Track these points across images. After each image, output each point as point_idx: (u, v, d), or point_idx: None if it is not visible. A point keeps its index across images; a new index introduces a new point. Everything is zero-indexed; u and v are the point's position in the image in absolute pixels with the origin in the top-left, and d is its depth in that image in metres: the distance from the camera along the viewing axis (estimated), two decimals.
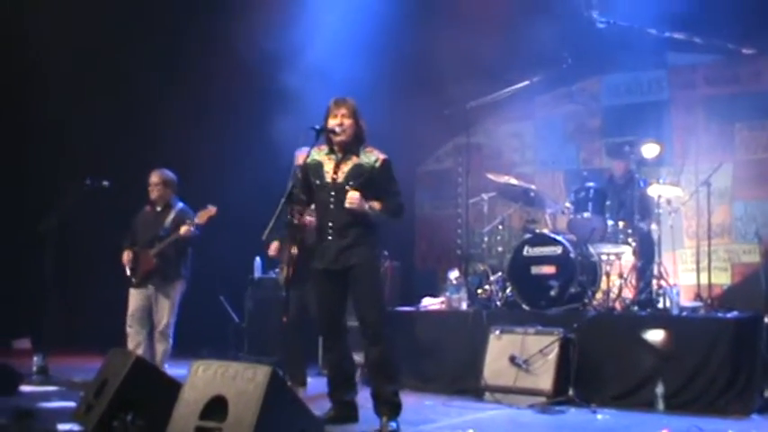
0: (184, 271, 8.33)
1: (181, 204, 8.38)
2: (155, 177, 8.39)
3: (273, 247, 7.79)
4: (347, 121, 5.96)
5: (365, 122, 6.07)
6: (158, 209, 8.40)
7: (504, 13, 9.36)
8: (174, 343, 8.28)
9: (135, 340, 8.21)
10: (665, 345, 7.20)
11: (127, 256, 8.35)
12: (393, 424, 5.84)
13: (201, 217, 8.02)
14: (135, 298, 8.29)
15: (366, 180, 5.93)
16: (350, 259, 5.92)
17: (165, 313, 8.20)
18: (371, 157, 6.01)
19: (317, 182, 6.06)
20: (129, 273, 8.33)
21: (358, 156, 6.01)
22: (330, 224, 5.99)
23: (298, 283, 7.13)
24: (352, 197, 5.81)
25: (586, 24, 7.41)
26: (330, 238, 5.98)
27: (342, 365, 6.18)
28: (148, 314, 8.28)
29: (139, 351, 8.00)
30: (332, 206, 5.99)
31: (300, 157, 7.49)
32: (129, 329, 8.26)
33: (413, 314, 8.95)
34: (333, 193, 5.98)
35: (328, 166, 6.04)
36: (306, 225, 6.62)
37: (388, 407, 5.92)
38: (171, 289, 8.24)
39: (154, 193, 8.36)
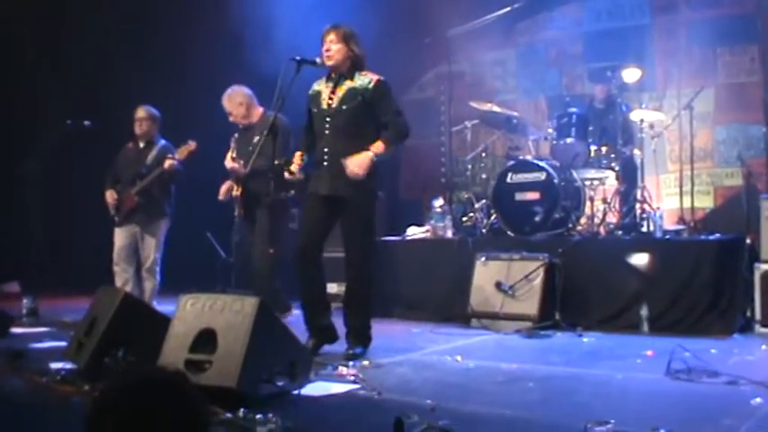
0: (168, 208, 8.33)
1: (163, 141, 8.36)
2: (141, 112, 8.36)
3: (223, 191, 7.84)
4: (335, 47, 5.95)
5: (361, 48, 6.03)
6: (141, 145, 8.38)
7: None
8: (162, 280, 8.32)
9: (122, 278, 8.24)
10: (648, 268, 7.29)
11: (110, 195, 8.33)
12: (358, 349, 5.94)
13: (182, 152, 8.00)
14: (119, 236, 8.31)
15: (360, 103, 5.92)
16: (344, 188, 5.89)
17: (152, 251, 8.24)
18: (365, 79, 5.98)
19: (315, 110, 6.09)
20: (112, 212, 8.33)
21: (353, 80, 5.99)
22: (325, 150, 5.99)
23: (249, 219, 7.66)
24: (353, 166, 5.79)
25: None
26: (325, 164, 5.98)
27: (314, 291, 6.09)
28: (134, 252, 8.32)
29: (127, 288, 8.01)
30: (327, 132, 6.00)
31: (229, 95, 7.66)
32: (115, 268, 8.29)
33: (398, 243, 9.01)
34: (328, 119, 5.99)
35: (325, 94, 6.05)
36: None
37: (359, 338, 6.02)
38: (155, 227, 8.26)
39: (141, 128, 8.33)
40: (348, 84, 6.00)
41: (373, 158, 5.83)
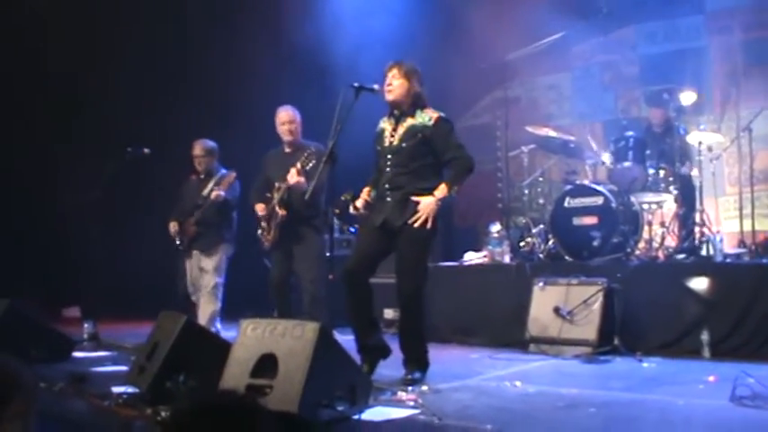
0: (227, 235, 8.49)
1: (222, 171, 8.56)
2: (197, 149, 8.59)
3: (260, 208, 7.80)
4: (396, 82, 5.99)
5: (423, 86, 6.06)
6: (201, 177, 8.62)
7: None
8: (223, 306, 8.45)
9: (198, 308, 8.45)
10: (709, 292, 7.18)
11: (173, 226, 8.58)
12: (417, 374, 5.93)
13: (224, 184, 8.27)
14: (188, 266, 8.56)
15: (420, 140, 5.94)
16: (403, 217, 5.92)
17: (209, 275, 8.39)
18: (426, 116, 6.00)
19: (378, 148, 6.15)
20: (177, 242, 8.55)
21: (413, 117, 6.02)
22: (386, 186, 6.03)
23: (280, 246, 7.57)
24: (417, 218, 5.83)
25: None
26: (388, 199, 6.02)
27: (362, 312, 6.10)
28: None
29: (209, 316, 8.33)
30: (388, 169, 6.05)
31: (280, 116, 7.65)
32: (192, 298, 8.56)
33: (456, 269, 9.00)
34: (389, 156, 6.04)
35: (387, 131, 6.11)
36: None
37: (417, 363, 6.01)
38: (213, 252, 8.42)
39: (200, 165, 8.59)
40: (409, 121, 6.02)
41: (438, 203, 5.86)
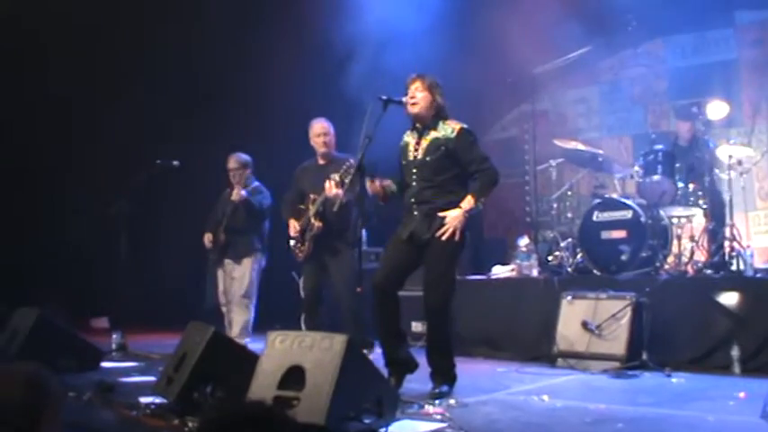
0: (258, 244, 8.56)
1: (255, 183, 8.63)
2: (232, 163, 8.66)
3: (293, 227, 7.79)
4: (419, 95, 6.00)
5: (444, 98, 6.07)
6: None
7: None
8: (256, 317, 8.57)
9: (228, 317, 8.56)
10: (739, 307, 7.13)
11: (207, 238, 8.69)
12: (445, 387, 5.91)
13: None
14: (220, 278, 8.64)
15: (444, 153, 5.95)
16: (430, 231, 5.91)
17: (239, 285, 8.48)
18: (448, 128, 6.01)
19: (403, 162, 6.16)
20: (210, 253, 8.68)
21: (436, 129, 6.03)
22: (412, 200, 6.04)
23: (314, 258, 7.61)
24: (444, 230, 5.84)
25: None
26: (415, 213, 6.02)
27: (391, 325, 6.11)
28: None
29: (239, 327, 8.44)
30: (414, 183, 6.06)
31: (314, 128, 7.66)
32: (222, 308, 8.64)
33: (484, 282, 8.99)
34: (414, 170, 6.05)
35: (411, 145, 6.12)
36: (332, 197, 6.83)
37: (445, 377, 6.00)
38: (243, 262, 8.50)
39: (236, 179, 8.61)
40: (432, 134, 6.03)
41: (466, 215, 5.87)
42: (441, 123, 6.04)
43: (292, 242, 7.75)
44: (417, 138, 6.09)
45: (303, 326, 7.87)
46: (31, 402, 2.52)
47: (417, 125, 6.11)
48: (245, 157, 8.71)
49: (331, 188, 7.15)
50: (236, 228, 8.50)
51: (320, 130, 7.74)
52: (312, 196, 7.56)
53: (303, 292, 7.85)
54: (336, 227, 7.57)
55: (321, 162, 7.78)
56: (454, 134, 5.98)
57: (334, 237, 7.61)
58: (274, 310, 8.96)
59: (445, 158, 5.96)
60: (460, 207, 5.87)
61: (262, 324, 8.41)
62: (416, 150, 6.06)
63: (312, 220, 7.53)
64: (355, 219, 7.36)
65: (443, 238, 5.83)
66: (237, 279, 8.49)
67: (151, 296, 11.21)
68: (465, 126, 6.05)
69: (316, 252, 7.65)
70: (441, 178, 5.99)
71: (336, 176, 7.09)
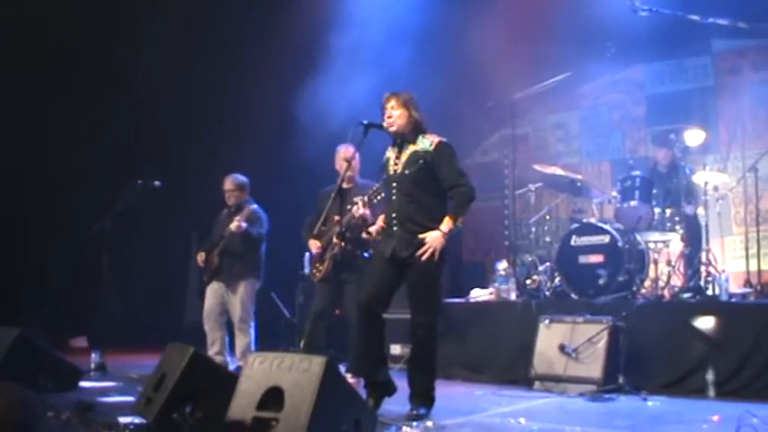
0: (252, 268, 8.58)
1: (253, 206, 8.61)
2: (228, 185, 8.69)
3: (315, 245, 7.88)
4: (396, 113, 6.05)
5: (421, 112, 6.11)
6: (232, 210, 8.70)
7: (547, 3, 9.37)
8: (257, 337, 8.57)
9: (210, 337, 8.55)
10: (714, 332, 7.18)
11: (200, 257, 8.71)
12: (422, 410, 5.93)
13: (244, 214, 8.37)
14: (208, 296, 8.63)
15: (422, 165, 5.99)
16: (411, 253, 5.94)
17: (237, 309, 8.48)
18: (426, 141, 6.06)
19: (384, 176, 6.22)
20: (203, 273, 8.70)
21: (415, 144, 6.09)
22: (393, 215, 6.08)
23: (333, 276, 7.66)
24: (424, 252, 5.86)
25: (629, 12, 7.38)
26: (395, 228, 6.06)
27: (374, 347, 6.13)
28: (223, 311, 8.58)
29: (216, 347, 8.46)
30: (394, 197, 6.10)
31: (341, 152, 7.68)
32: (205, 327, 8.60)
33: (462, 305, 9.02)
34: (394, 185, 6.09)
35: (392, 160, 6.17)
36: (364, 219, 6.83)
37: (423, 399, 6.01)
38: (238, 285, 8.50)
39: (231, 201, 8.66)
40: (411, 148, 6.09)
41: (445, 236, 5.89)
42: (420, 137, 6.10)
43: (306, 266, 7.78)
44: (398, 152, 6.15)
45: (301, 346, 8.08)
46: (24, 423, 2.55)
47: (397, 140, 6.17)
48: (241, 178, 8.72)
49: (359, 208, 7.23)
50: (232, 252, 8.50)
51: (346, 155, 7.77)
52: (336, 218, 7.60)
53: (312, 310, 7.93)
54: (359, 247, 7.65)
55: (345, 186, 7.83)
56: (432, 146, 6.03)
57: (355, 256, 7.68)
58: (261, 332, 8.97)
59: (424, 171, 6.00)
60: (440, 229, 5.91)
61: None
62: (396, 165, 6.11)
63: (334, 240, 7.57)
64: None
65: (423, 258, 5.87)
66: (234, 304, 8.49)
67: (130, 316, 11.19)
68: (444, 139, 6.10)
69: (334, 272, 7.73)
70: (419, 192, 6.01)
71: (365, 197, 7.16)
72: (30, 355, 6.96)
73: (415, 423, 5.64)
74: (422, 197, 6.02)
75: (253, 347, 8.44)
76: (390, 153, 6.23)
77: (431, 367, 6.10)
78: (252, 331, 8.51)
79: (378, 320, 6.08)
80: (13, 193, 11.04)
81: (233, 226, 8.30)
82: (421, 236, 5.90)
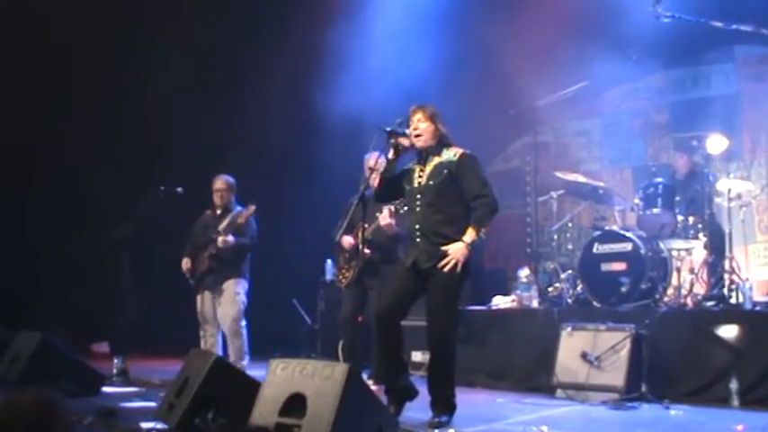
0: (242, 270, 8.61)
1: (239, 208, 8.66)
2: (219, 183, 8.74)
3: (348, 241, 7.87)
4: (422, 126, 6.06)
5: (445, 126, 6.13)
6: (218, 212, 8.74)
7: (569, 11, 9.36)
8: (249, 346, 8.52)
9: (206, 341, 8.58)
10: (738, 340, 7.13)
11: (186, 263, 8.73)
12: (444, 417, 5.91)
13: (243, 216, 8.38)
14: (199, 301, 8.64)
15: (447, 176, 6.00)
16: (434, 263, 5.94)
17: (227, 311, 8.48)
18: (451, 153, 6.08)
19: (407, 188, 6.19)
20: (187, 275, 8.70)
21: (440, 156, 6.10)
22: (417, 226, 6.07)
23: (357, 283, 7.69)
24: (446, 262, 5.86)
25: (651, 19, 7.35)
26: (418, 240, 6.05)
27: (393, 353, 6.13)
28: (215, 315, 8.58)
29: (212, 351, 8.30)
30: (418, 209, 6.08)
31: (370, 160, 7.66)
32: (200, 331, 8.64)
33: (484, 313, 9.00)
34: (418, 196, 6.09)
35: (416, 172, 6.17)
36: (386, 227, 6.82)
37: (444, 407, 5.99)
38: (227, 287, 8.51)
39: (221, 199, 8.71)
40: (436, 160, 6.09)
41: (468, 248, 5.89)
42: (444, 150, 6.11)
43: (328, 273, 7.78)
44: (422, 165, 6.15)
45: (340, 352, 8.10)
46: (42, 419, 2.57)
47: (422, 154, 6.17)
48: (231, 179, 8.80)
49: (386, 217, 7.31)
50: (222, 258, 8.51)
51: (370, 163, 7.79)
52: (363, 225, 7.61)
53: (340, 316, 8.02)
54: (385, 254, 7.68)
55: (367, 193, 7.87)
56: (456, 157, 6.04)
57: (380, 262, 7.69)
58: (272, 337, 8.97)
59: (449, 182, 6.01)
60: (463, 240, 5.90)
61: (260, 353, 8.43)
62: (421, 177, 6.11)
63: (360, 248, 7.59)
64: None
65: (446, 269, 5.87)
66: (224, 305, 8.50)
67: (152, 321, 11.23)
68: (468, 151, 6.11)
69: (357, 278, 7.77)
70: (443, 203, 6.01)
71: (392, 207, 7.18)
72: (52, 359, 7.03)
73: (437, 430, 5.63)
74: (445, 208, 6.02)
75: (246, 348, 8.46)
76: (415, 165, 6.22)
77: (449, 375, 6.08)
78: (245, 331, 8.52)
79: (395, 328, 6.08)
80: (36, 197, 11.13)
81: (220, 243, 8.35)
82: (444, 247, 5.90)
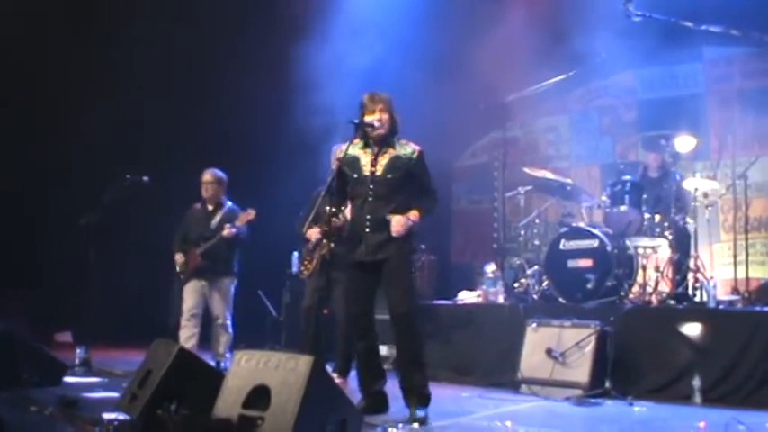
0: (235, 267, 8.64)
1: (229, 204, 8.68)
2: (208, 176, 8.68)
3: (314, 233, 7.83)
4: (384, 116, 6.03)
5: (399, 115, 6.14)
6: (209, 208, 8.69)
7: (540, 7, 9.38)
8: (235, 334, 8.61)
9: (188, 332, 8.48)
10: (701, 338, 7.18)
11: (180, 257, 8.68)
12: (421, 411, 5.88)
13: (241, 220, 8.38)
14: (188, 293, 8.57)
15: (405, 173, 6.02)
16: (385, 252, 5.96)
17: (222, 307, 8.51)
18: (408, 148, 6.09)
19: (355, 175, 6.12)
20: (179, 269, 8.66)
21: (394, 148, 6.08)
22: (368, 217, 6.03)
23: (322, 274, 7.74)
24: (397, 225, 5.90)
25: (621, 18, 7.37)
26: (367, 230, 6.02)
27: (370, 356, 6.20)
28: (203, 309, 8.56)
29: (192, 343, 8.35)
30: (370, 199, 6.05)
31: (338, 152, 7.64)
32: (183, 322, 8.53)
33: (450, 308, 9.01)
34: (371, 186, 6.05)
35: (365, 160, 6.10)
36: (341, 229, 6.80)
37: (418, 397, 5.96)
38: (222, 284, 8.55)
39: (207, 192, 8.65)
40: (391, 152, 6.08)
41: (414, 222, 5.95)
42: (396, 141, 6.11)
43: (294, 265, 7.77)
44: (374, 154, 6.10)
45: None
46: None
47: (370, 141, 6.11)
48: (220, 173, 8.75)
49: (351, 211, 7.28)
50: (216, 254, 8.50)
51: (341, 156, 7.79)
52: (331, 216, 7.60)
53: (303, 307, 8.01)
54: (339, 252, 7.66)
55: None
56: (415, 155, 6.07)
57: (344, 256, 7.65)
58: (238, 329, 8.93)
59: (406, 178, 6.04)
60: (408, 216, 5.95)
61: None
62: (374, 166, 6.06)
63: (326, 240, 7.58)
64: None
65: (395, 232, 5.90)
66: (218, 302, 8.52)
67: (116, 311, 11.13)
68: (422, 148, 6.14)
69: (323, 271, 7.80)
70: (399, 197, 6.03)
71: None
72: (14, 348, 6.92)
73: (417, 426, 5.63)
74: (398, 201, 6.03)
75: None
76: (359, 152, 6.15)
77: (421, 363, 6.07)
78: (231, 328, 8.55)
79: (371, 330, 6.14)
80: (0, 186, 11.00)
81: (225, 232, 8.34)
82: (388, 217, 5.93)
